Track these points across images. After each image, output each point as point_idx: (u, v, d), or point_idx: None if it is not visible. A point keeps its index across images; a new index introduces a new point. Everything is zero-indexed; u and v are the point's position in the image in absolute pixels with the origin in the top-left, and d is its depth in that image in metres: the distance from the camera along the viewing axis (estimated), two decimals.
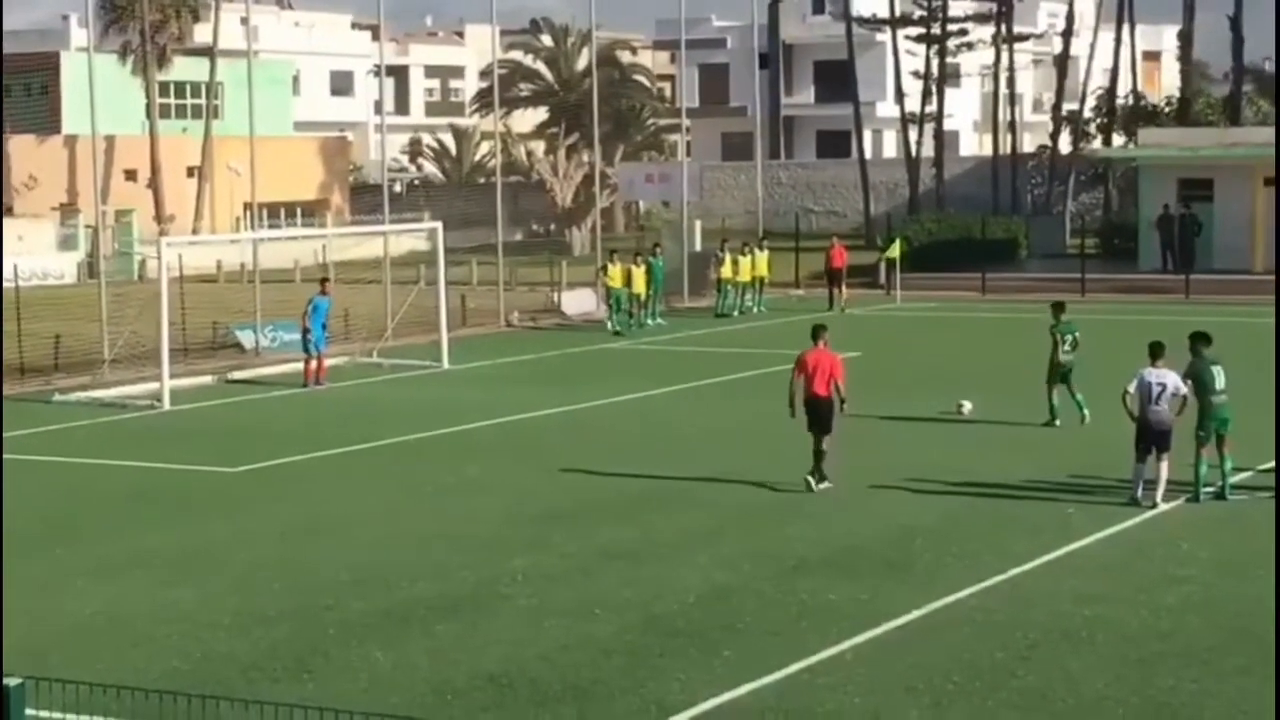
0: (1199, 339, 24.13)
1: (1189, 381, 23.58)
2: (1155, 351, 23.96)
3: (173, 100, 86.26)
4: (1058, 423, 29.38)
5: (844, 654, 16.98)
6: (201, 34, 79.67)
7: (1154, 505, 23.25)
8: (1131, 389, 23.79)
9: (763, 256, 55.21)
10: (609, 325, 49.05)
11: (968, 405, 31.75)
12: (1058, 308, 30.14)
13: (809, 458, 25.29)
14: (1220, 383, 23.77)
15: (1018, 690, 15.68)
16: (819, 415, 24.77)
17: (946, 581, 19.66)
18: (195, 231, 74.00)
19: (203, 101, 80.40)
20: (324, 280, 41.73)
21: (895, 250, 56.93)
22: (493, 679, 16.31)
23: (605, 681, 16.21)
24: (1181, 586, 19.37)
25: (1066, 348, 29.36)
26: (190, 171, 79.27)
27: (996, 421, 30.75)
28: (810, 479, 24.62)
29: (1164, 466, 23.39)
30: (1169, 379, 23.49)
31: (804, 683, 16.08)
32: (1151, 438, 23.42)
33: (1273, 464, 25.15)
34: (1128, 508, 23.34)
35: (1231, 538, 21.75)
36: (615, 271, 49.62)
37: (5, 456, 27.40)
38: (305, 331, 39.11)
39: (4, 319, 39.75)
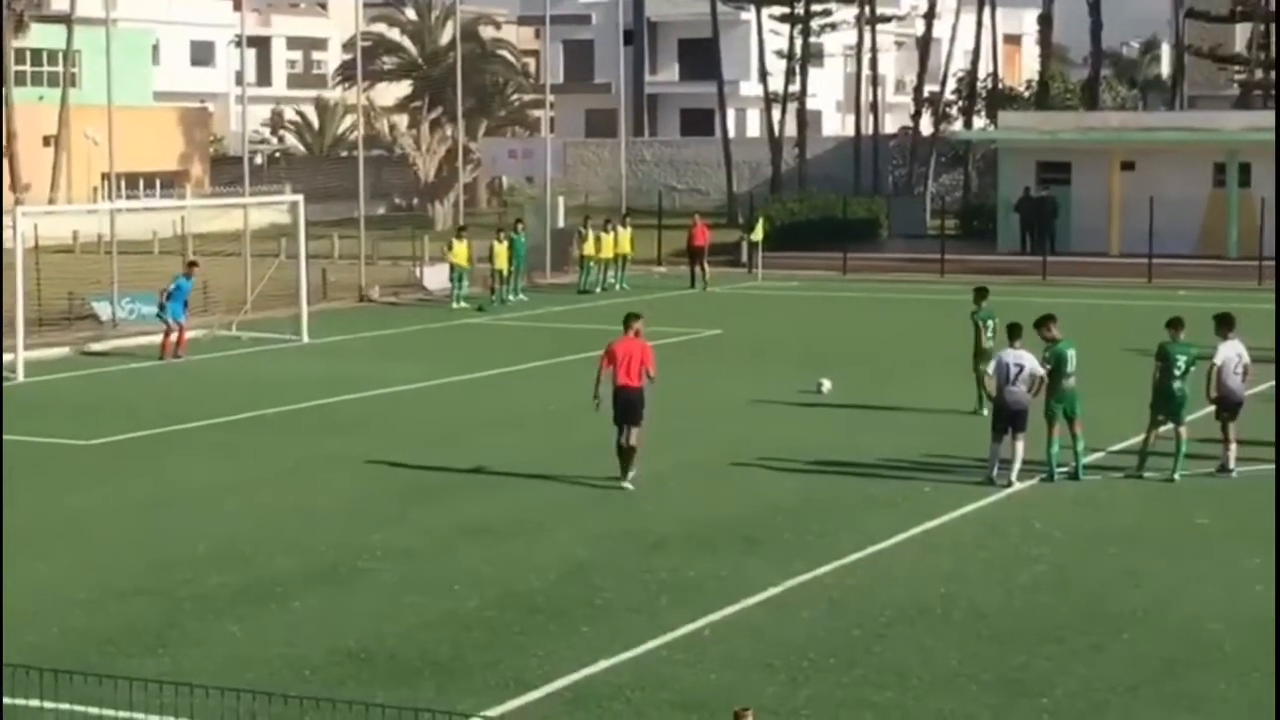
0: (1050, 321, 24.43)
1: (1049, 363, 23.86)
2: (1013, 333, 24.24)
3: (29, 67, 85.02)
4: (984, 412, 27.86)
5: (702, 631, 17.06)
6: (59, 0, 78.55)
7: (1009, 484, 23.53)
8: (990, 370, 24.05)
9: (625, 233, 55.28)
10: (453, 303, 48.86)
11: (827, 384, 31.95)
12: (980, 293, 29.61)
13: (672, 433, 25.28)
14: (1071, 365, 24.10)
15: (874, 667, 15.83)
16: (630, 406, 23.61)
17: (805, 559, 19.80)
18: (52, 201, 73.05)
19: (60, 69, 79.29)
20: (192, 264, 41.26)
21: (759, 232, 57.13)
22: (351, 654, 16.26)
23: (464, 657, 16.20)
24: (1035, 565, 19.63)
25: (989, 334, 28.78)
26: (47, 140, 78.20)
27: (856, 401, 30.98)
28: (624, 482, 23.52)
29: (1019, 446, 23.68)
30: (1026, 360, 23.78)
31: (662, 659, 16.15)
32: (1008, 418, 23.70)
33: (1123, 445, 25.52)
34: (983, 486, 23.60)
35: (1084, 517, 22.05)
36: (460, 247, 49.53)
37: None
38: (161, 306, 38.85)
39: None
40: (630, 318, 24.14)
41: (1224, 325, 24.65)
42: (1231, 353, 24.35)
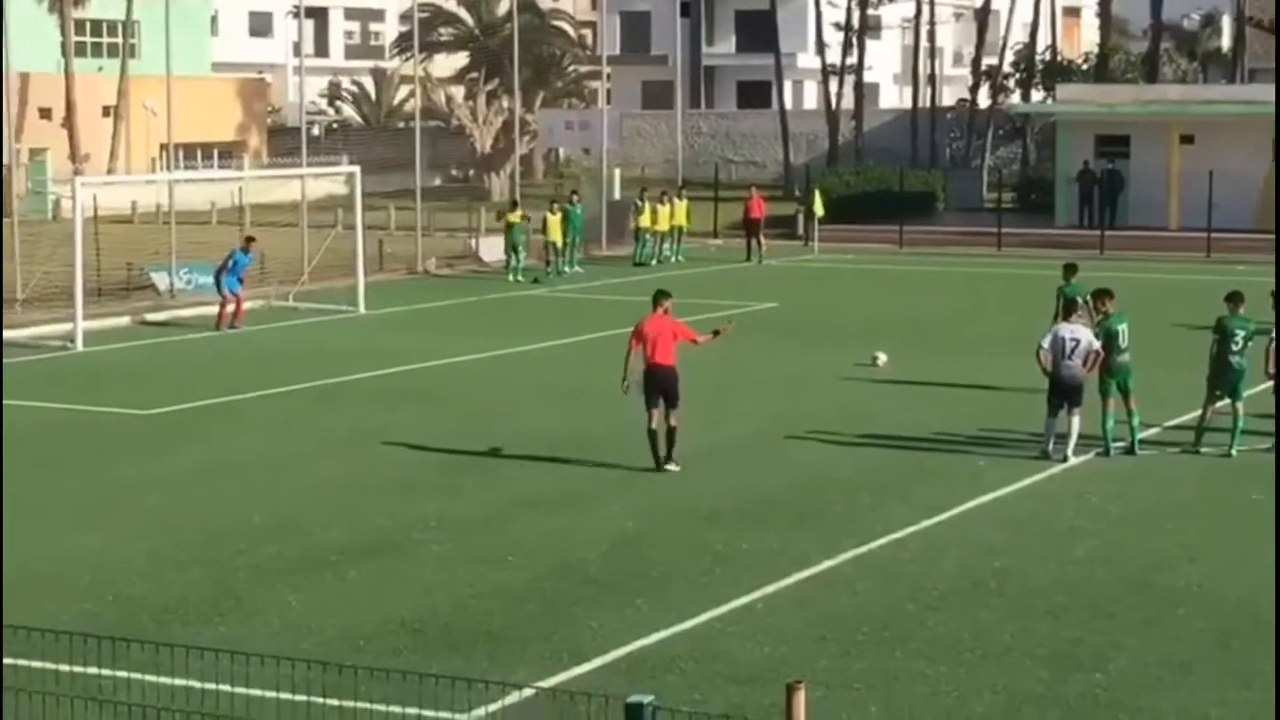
0: (1106, 296, 24.37)
1: (1100, 338, 23.76)
2: (1069, 307, 24.14)
3: (88, 38, 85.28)
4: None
5: (755, 603, 17.07)
6: None
7: (1065, 459, 23.45)
8: (1045, 344, 23.93)
9: (681, 205, 55.23)
10: (509, 275, 48.80)
11: (883, 357, 31.92)
12: (1069, 270, 29.44)
13: (725, 405, 25.22)
14: (1124, 340, 24.01)
15: (926, 640, 15.82)
16: (663, 387, 22.85)
17: (858, 532, 19.79)
18: (110, 171, 73.34)
19: (119, 40, 79.55)
20: (249, 239, 41.40)
21: (818, 205, 56.93)
22: (405, 625, 16.32)
23: (518, 628, 16.25)
24: (1089, 540, 19.57)
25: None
26: (106, 111, 78.47)
27: (911, 375, 30.92)
28: (667, 465, 22.86)
29: (1075, 421, 23.59)
30: (1082, 335, 23.68)
31: (715, 631, 16.17)
32: (1064, 392, 23.60)
33: (1180, 420, 25.40)
34: (1038, 461, 23.54)
35: (1139, 492, 21.97)
36: (514, 216, 49.50)
37: None
38: (217, 278, 39.06)
39: None
40: (660, 295, 23.57)
41: None
42: None
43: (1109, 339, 23.77)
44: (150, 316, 40.82)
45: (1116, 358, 23.77)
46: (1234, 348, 23.93)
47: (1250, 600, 17.08)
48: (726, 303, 42.96)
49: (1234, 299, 24.39)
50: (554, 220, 49.70)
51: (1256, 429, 24.33)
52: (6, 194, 43.61)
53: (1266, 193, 60.25)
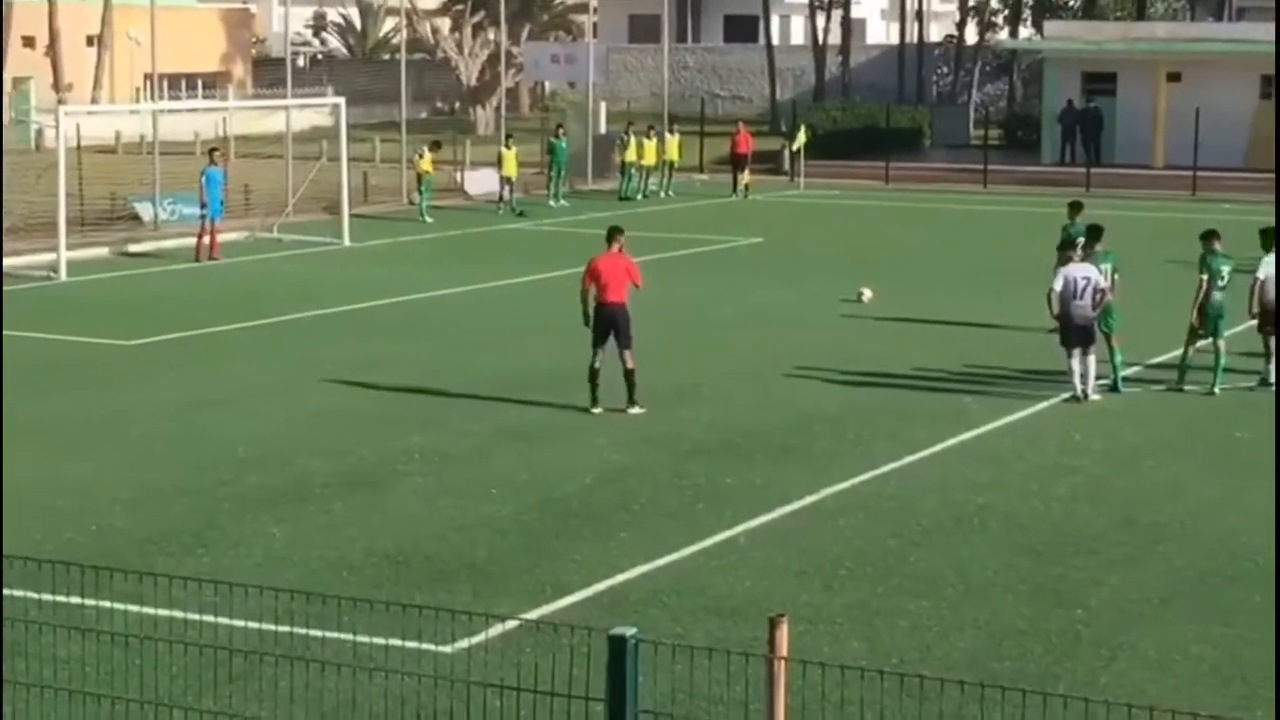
0: (1099, 233, 24.38)
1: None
2: (1068, 247, 24.00)
3: None
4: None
5: (738, 538, 17.09)
6: None
7: (1085, 397, 23.35)
8: (1057, 286, 23.62)
9: (673, 140, 55.16)
10: (500, 210, 48.71)
11: (868, 293, 31.91)
12: (1074, 208, 29.19)
13: (710, 340, 25.21)
14: (1109, 279, 23.99)
15: (909, 575, 15.85)
16: (614, 325, 22.44)
17: (842, 467, 19.82)
18: (94, 101, 73.02)
19: None
20: (213, 150, 41.28)
21: (801, 139, 56.93)
22: (389, 556, 16.34)
23: (501, 561, 16.27)
24: (1073, 477, 19.61)
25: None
26: (90, 40, 78.10)
27: (896, 311, 30.92)
28: (630, 408, 22.45)
29: (1090, 360, 23.49)
30: (1091, 274, 23.56)
31: (698, 565, 16.19)
32: (1076, 333, 23.44)
33: (1164, 358, 25.42)
34: (1023, 398, 23.56)
35: (1123, 429, 22.01)
36: (509, 156, 49.27)
37: None
38: (204, 205, 38.94)
39: None
40: (614, 231, 23.16)
41: (1269, 239, 24.47)
42: (1275, 267, 24.19)
43: None
44: (134, 247, 40.71)
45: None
46: (1220, 284, 23.92)
47: (1231, 538, 17.13)
48: (711, 237, 42.97)
49: (1211, 236, 24.34)
50: (509, 155, 49.37)
51: (1240, 368, 24.38)
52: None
53: (1254, 131, 60.20)
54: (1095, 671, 13.40)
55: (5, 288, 33.67)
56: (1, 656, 9.29)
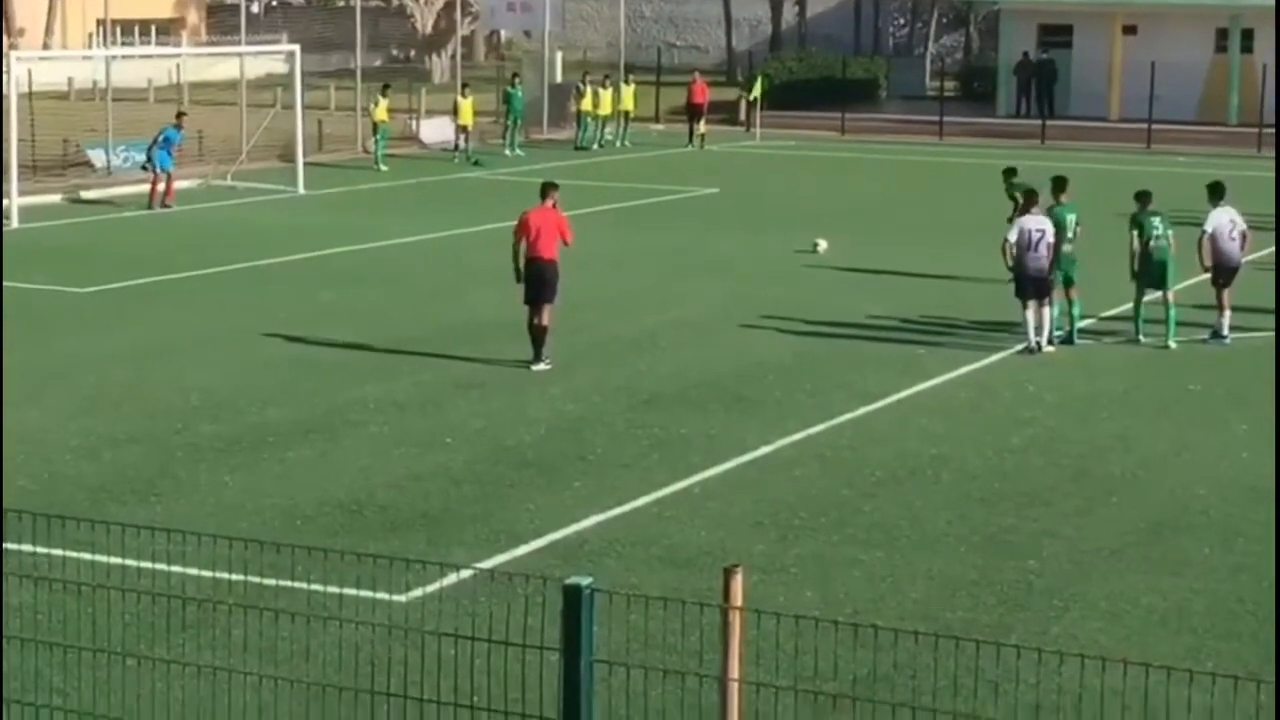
0: (1059, 185, 24.45)
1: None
2: (1030, 198, 24.03)
3: None
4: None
5: (692, 488, 17.11)
6: None
7: (1039, 349, 23.39)
8: (1012, 238, 23.66)
9: (628, 90, 55.04)
10: (457, 159, 48.60)
11: (823, 244, 31.93)
12: (1009, 173, 29.42)
13: (665, 290, 25.18)
14: (1071, 230, 24.05)
15: (863, 526, 15.89)
16: (543, 280, 22.06)
17: (797, 418, 19.84)
18: (46, 47, 72.41)
19: None
20: (180, 114, 41.06)
21: (757, 89, 56.91)
22: (342, 505, 16.31)
23: (455, 510, 16.26)
24: (1026, 428, 19.67)
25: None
26: None
27: (852, 262, 30.94)
28: (535, 366, 22.11)
29: (1046, 312, 23.54)
30: (1046, 226, 23.59)
31: (652, 515, 16.20)
32: (1032, 285, 23.48)
33: (1117, 310, 25.49)
34: (978, 349, 23.62)
35: (1077, 382, 22.08)
36: (465, 105, 49.12)
37: None
38: (149, 155, 38.84)
39: None
40: (548, 186, 22.82)
41: (1215, 193, 24.61)
42: (1224, 219, 24.34)
43: (1058, 227, 23.75)
44: (86, 194, 40.48)
45: (1063, 247, 23.77)
46: (1154, 239, 23.96)
47: (1182, 490, 17.22)
48: (667, 187, 42.94)
49: (1144, 198, 24.43)
50: (465, 104, 49.24)
51: (1195, 320, 24.47)
52: None
53: (1207, 85, 60.35)
54: (1047, 622, 13.47)
55: None
56: (2, 610, 9.27)
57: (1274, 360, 22.04)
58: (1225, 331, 24.28)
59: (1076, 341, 24.00)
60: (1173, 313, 23.95)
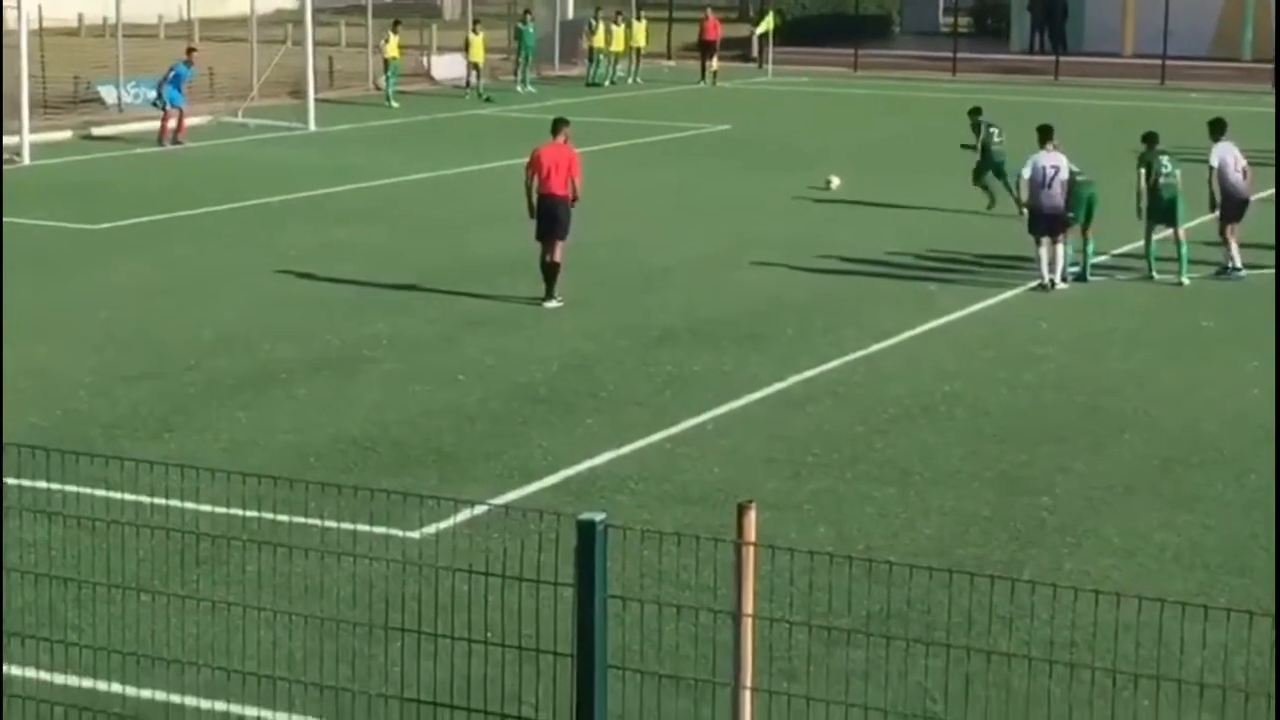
0: (1149, 140, 24.62)
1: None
2: (1045, 135, 23.91)
3: None
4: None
5: (705, 424, 17.11)
6: None
7: (1053, 285, 23.35)
8: (1026, 174, 23.62)
9: (640, 26, 54.84)
10: (469, 96, 48.52)
11: (836, 180, 31.84)
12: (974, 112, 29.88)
13: (678, 227, 25.11)
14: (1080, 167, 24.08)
15: (876, 463, 15.89)
16: (554, 217, 22.04)
17: (810, 354, 19.82)
18: None
19: None
20: (191, 50, 40.96)
21: (768, 24, 56.67)
22: (355, 441, 16.32)
23: (468, 447, 16.26)
24: (1040, 365, 19.64)
25: (998, 140, 29.07)
26: None
27: (864, 199, 30.87)
28: (547, 301, 22.16)
29: (1059, 249, 23.49)
30: (1062, 163, 23.53)
31: (665, 452, 16.20)
32: (1045, 221, 23.43)
33: (1129, 247, 25.42)
34: (991, 286, 23.58)
35: (1090, 318, 22.04)
36: (476, 42, 48.97)
37: None
38: (158, 92, 38.80)
39: None
40: (559, 122, 22.84)
41: (1217, 129, 24.61)
42: (1227, 154, 24.33)
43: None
44: (97, 130, 40.41)
45: (1079, 183, 23.79)
46: (1163, 176, 23.91)
47: (1194, 426, 17.20)
48: (680, 124, 42.83)
49: (1151, 139, 24.45)
50: (476, 40, 49.09)
51: (1204, 258, 24.40)
52: None
53: (1221, 20, 60.01)
54: (1060, 558, 13.47)
55: None
56: (1, 547, 9.29)
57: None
58: (1238, 264, 24.23)
59: (1090, 278, 23.94)
60: (1184, 250, 23.89)
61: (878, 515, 14.43)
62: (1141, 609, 8.55)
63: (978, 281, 23.95)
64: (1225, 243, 24.29)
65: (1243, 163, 24.47)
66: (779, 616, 10.65)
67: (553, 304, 22.14)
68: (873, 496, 14.90)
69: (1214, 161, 24.19)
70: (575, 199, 22.31)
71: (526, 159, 22.78)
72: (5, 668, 10.11)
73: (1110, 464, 15.95)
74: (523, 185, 22.62)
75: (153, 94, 41.21)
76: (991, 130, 29.08)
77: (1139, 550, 13.68)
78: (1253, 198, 24.81)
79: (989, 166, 29.00)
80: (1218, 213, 24.34)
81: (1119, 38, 60.95)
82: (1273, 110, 39.67)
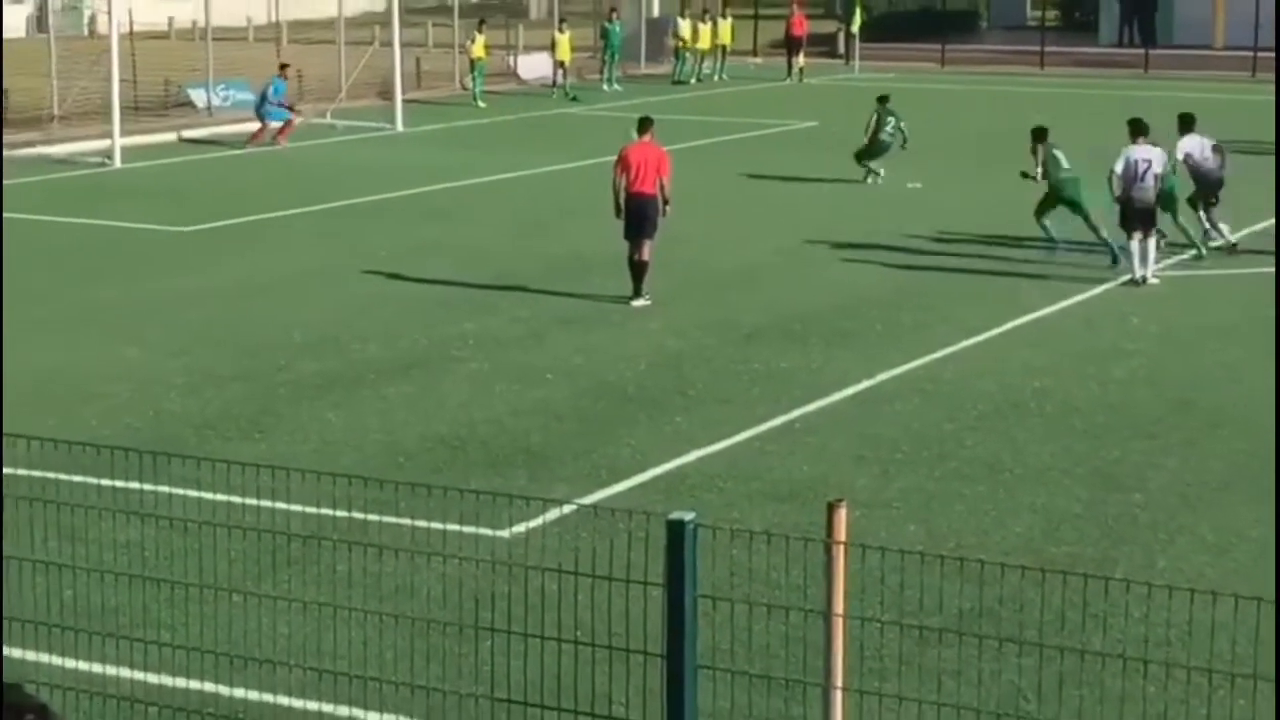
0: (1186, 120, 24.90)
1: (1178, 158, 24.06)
2: (1138, 128, 23.69)
3: None
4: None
5: (794, 422, 17.06)
6: None
7: (1145, 280, 23.22)
8: (1118, 169, 23.42)
9: (726, 24, 54.78)
10: (555, 94, 48.64)
11: (916, 185, 31.73)
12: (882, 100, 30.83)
13: (765, 224, 25.07)
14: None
15: (965, 460, 15.80)
16: (643, 216, 22.02)
17: (898, 351, 19.74)
18: None
19: None
20: (283, 65, 41.19)
21: (856, 21, 56.49)
22: (444, 441, 16.36)
23: (556, 445, 16.27)
24: (1130, 360, 19.49)
25: (888, 130, 30.35)
26: None
27: (951, 194, 30.72)
28: (634, 300, 22.12)
29: (1151, 243, 23.36)
30: (1154, 156, 23.36)
31: (754, 450, 16.16)
32: (1137, 217, 23.25)
33: (1218, 241, 25.22)
34: (1080, 281, 23.42)
35: (1181, 313, 21.86)
36: (562, 40, 49.08)
37: None
38: (260, 110, 39.02)
39: None
40: (645, 121, 22.84)
41: (1185, 123, 25.14)
42: (1193, 147, 24.85)
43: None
44: (188, 133, 40.71)
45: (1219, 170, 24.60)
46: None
47: None
48: (766, 121, 42.77)
49: (1186, 120, 25.19)
50: (562, 39, 49.18)
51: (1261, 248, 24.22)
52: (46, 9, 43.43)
53: None
54: (1153, 555, 13.35)
55: (61, 174, 33.83)
56: (1, 535, 9.34)
57: None
58: (1230, 237, 25.14)
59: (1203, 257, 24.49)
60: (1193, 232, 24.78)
61: (968, 513, 14.35)
62: (1239, 607, 8.46)
63: (1066, 277, 23.79)
64: (1213, 224, 24.81)
65: (1209, 145, 24.96)
66: (870, 615, 10.60)
67: (640, 302, 22.13)
68: (962, 494, 14.81)
69: (1179, 154, 24.58)
70: (666, 202, 22.25)
71: (614, 157, 22.74)
72: (94, 666, 10.20)
73: (1203, 460, 15.80)
74: (609, 184, 22.61)
75: (242, 95, 41.53)
76: (889, 120, 31.52)
77: (1233, 547, 13.54)
78: (1226, 175, 25.28)
79: (880, 151, 31.69)
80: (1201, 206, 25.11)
81: (1209, 30, 60.35)
82: None
